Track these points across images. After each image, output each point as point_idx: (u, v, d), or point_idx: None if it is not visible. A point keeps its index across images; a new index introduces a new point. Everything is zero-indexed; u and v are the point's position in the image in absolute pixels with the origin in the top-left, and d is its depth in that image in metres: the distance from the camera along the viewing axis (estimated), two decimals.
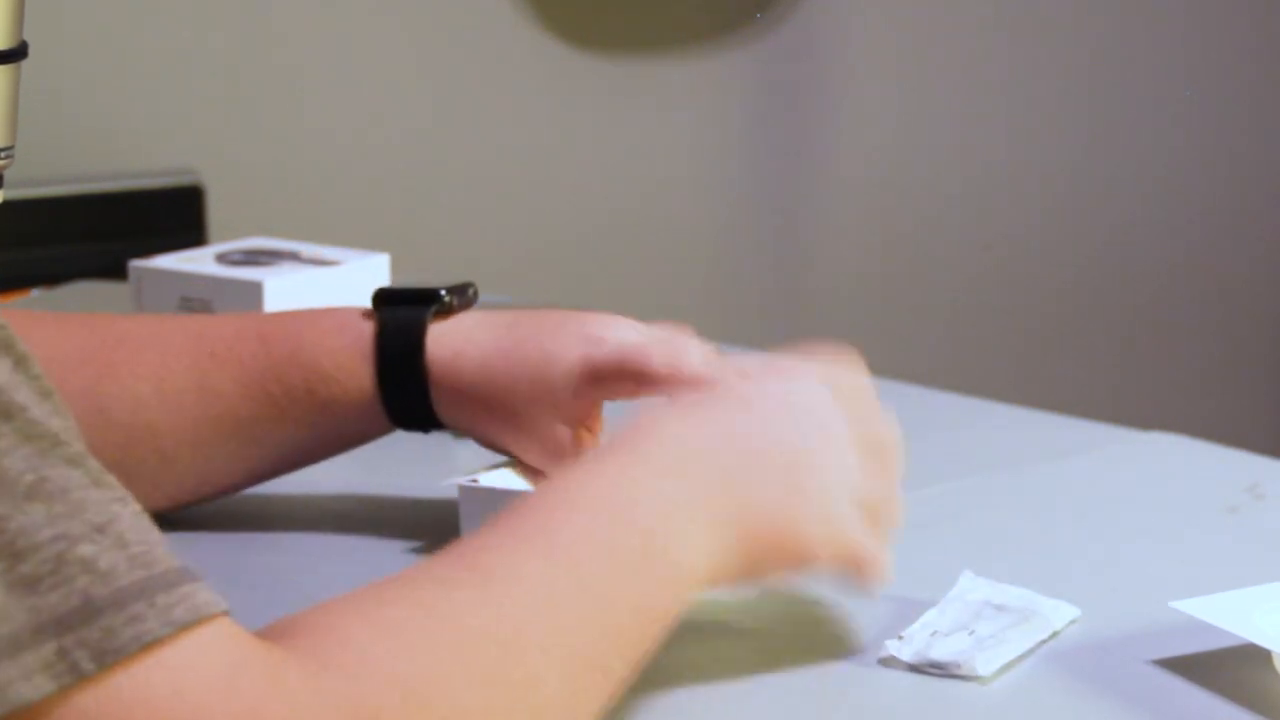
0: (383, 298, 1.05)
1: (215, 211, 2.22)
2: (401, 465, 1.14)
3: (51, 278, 1.73)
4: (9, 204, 0.94)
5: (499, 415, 1.02)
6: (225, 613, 0.63)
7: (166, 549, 0.63)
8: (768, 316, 2.87)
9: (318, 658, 0.65)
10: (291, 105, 2.45)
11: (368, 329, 1.03)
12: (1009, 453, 1.25)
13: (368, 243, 1.55)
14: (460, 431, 1.06)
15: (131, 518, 0.62)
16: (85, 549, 0.60)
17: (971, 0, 2.94)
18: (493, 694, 0.69)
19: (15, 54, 0.86)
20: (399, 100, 2.54)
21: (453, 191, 2.61)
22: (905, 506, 1.12)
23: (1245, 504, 1.13)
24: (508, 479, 1.06)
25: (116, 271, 1.50)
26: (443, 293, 1.04)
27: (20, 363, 0.62)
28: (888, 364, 2.09)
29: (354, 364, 1.02)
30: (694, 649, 0.92)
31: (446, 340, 1.02)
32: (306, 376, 1.03)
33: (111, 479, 0.63)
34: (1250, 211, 3.22)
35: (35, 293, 1.68)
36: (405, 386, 1.02)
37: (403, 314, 1.03)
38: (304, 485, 1.11)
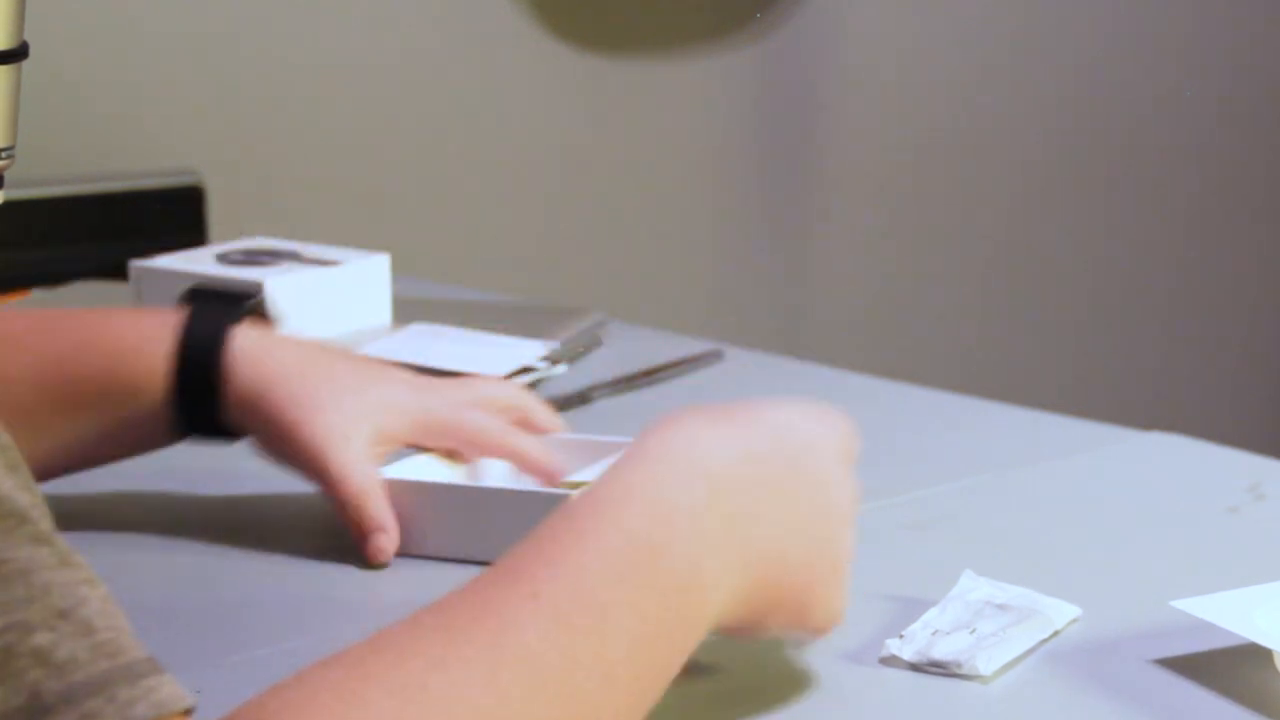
0: (196, 294, 1.05)
1: (215, 211, 2.22)
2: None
3: (51, 278, 1.73)
4: (9, 204, 0.94)
5: (293, 422, 1.00)
6: (189, 710, 0.58)
7: (134, 636, 0.58)
8: (767, 316, 2.87)
9: None
10: (291, 105, 2.45)
11: (177, 319, 1.03)
12: (1009, 453, 1.25)
13: (368, 243, 1.55)
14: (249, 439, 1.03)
15: (99, 601, 0.58)
16: (42, 638, 0.56)
17: (971, 0, 2.94)
18: None
19: (15, 54, 0.86)
20: (399, 100, 2.54)
21: (453, 191, 2.60)
22: (905, 507, 1.12)
23: (1245, 504, 1.13)
24: (424, 468, 1.04)
25: (116, 271, 1.50)
26: (259, 297, 1.06)
27: None
28: (888, 364, 2.09)
29: (155, 341, 1.01)
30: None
31: (251, 344, 1.01)
32: (104, 355, 1.02)
33: (79, 559, 0.58)
34: (1251, 212, 3.22)
35: (35, 293, 1.68)
36: (200, 373, 1.01)
37: (214, 308, 1.03)
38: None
